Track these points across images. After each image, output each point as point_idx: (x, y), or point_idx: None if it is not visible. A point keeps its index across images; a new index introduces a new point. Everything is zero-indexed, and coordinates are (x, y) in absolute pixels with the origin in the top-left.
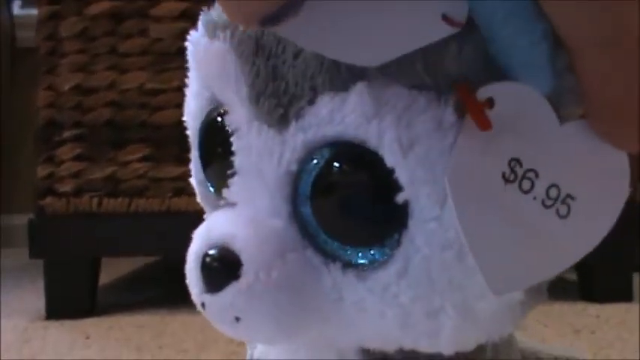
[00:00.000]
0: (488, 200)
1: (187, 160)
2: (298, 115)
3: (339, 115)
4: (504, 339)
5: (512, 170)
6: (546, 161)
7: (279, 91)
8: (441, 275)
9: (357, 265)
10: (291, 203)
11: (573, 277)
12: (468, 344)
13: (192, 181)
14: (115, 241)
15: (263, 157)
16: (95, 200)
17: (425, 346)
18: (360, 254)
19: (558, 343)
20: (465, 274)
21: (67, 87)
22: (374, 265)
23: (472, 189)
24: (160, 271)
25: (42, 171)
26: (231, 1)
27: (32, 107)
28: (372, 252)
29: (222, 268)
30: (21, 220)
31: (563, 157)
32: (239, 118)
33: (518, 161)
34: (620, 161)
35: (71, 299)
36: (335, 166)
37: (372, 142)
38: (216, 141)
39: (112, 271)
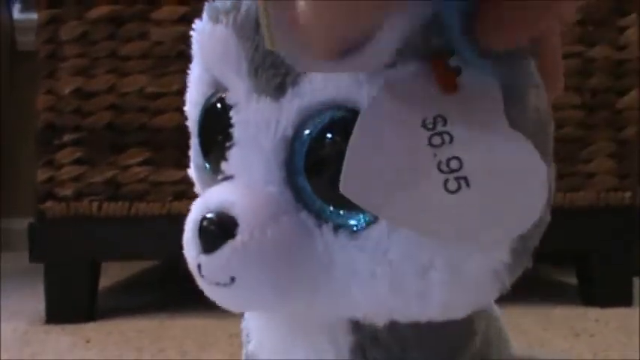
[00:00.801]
0: (397, 127)
1: (187, 164)
2: (294, 83)
3: (332, 79)
4: (496, 332)
5: (434, 122)
6: (467, 137)
7: (276, 62)
8: None
9: (349, 227)
10: (286, 170)
11: (573, 280)
12: (458, 309)
13: (191, 169)
14: (115, 245)
15: (260, 126)
16: (95, 204)
17: (415, 311)
18: (353, 216)
19: (558, 347)
20: None
21: (67, 91)
22: (365, 225)
23: (391, 111)
24: (159, 275)
25: (42, 175)
26: (319, 35)
27: (32, 111)
28: (365, 214)
29: (219, 228)
30: (21, 224)
31: (484, 144)
32: (238, 93)
33: (444, 120)
34: (539, 174)
35: (71, 303)
36: (327, 136)
37: (364, 103)
38: (215, 124)
39: (112, 275)
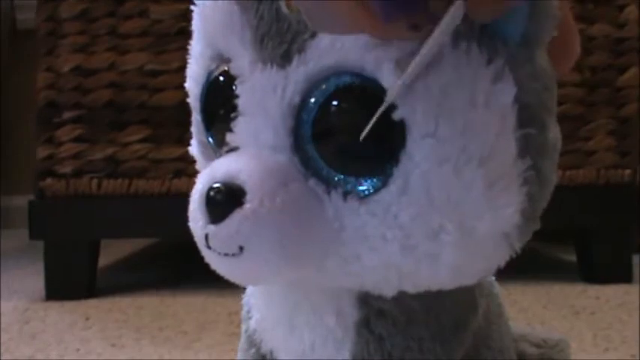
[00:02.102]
0: None
1: (188, 141)
2: (301, 49)
3: (338, 44)
4: (496, 310)
5: None
6: None
7: (282, 30)
8: (439, 191)
9: (358, 192)
10: (294, 137)
11: (573, 258)
12: (468, 273)
13: (193, 146)
14: (114, 222)
15: (267, 93)
16: (95, 182)
17: (426, 274)
18: (362, 182)
19: (558, 325)
20: (462, 190)
21: (66, 68)
22: (374, 190)
23: None
24: (159, 252)
25: (42, 152)
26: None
27: (32, 89)
28: (374, 179)
29: (227, 196)
30: (21, 202)
31: None
32: (243, 63)
33: None
34: None
35: (71, 281)
36: (333, 105)
37: (369, 67)
38: (219, 97)
39: (111, 252)
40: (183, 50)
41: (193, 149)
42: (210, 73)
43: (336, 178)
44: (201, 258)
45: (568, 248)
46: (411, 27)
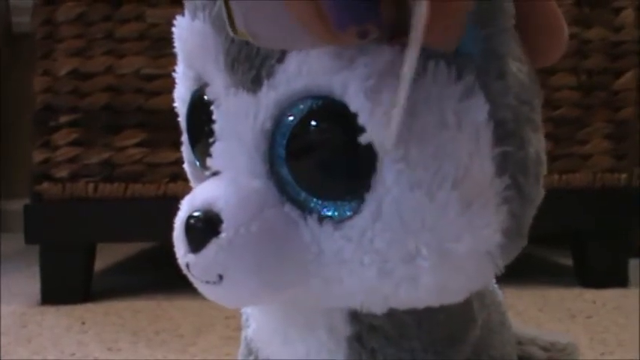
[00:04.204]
0: None
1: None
2: (269, 74)
3: (305, 67)
4: (499, 318)
5: None
6: None
7: (251, 55)
8: (413, 216)
9: (333, 217)
10: (269, 162)
11: (569, 262)
12: (452, 292)
13: (185, 164)
14: (110, 226)
15: (239, 119)
16: (91, 185)
17: (405, 296)
18: (337, 207)
19: (554, 328)
20: (437, 213)
21: (63, 72)
22: (350, 215)
23: None
24: (155, 256)
25: (38, 156)
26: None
27: (29, 92)
28: (350, 204)
29: (204, 226)
30: (20, 206)
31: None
32: (218, 87)
33: None
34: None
35: (67, 284)
36: (304, 127)
37: (337, 91)
38: (201, 118)
39: (107, 256)
40: None
41: (186, 168)
42: (192, 94)
43: (311, 204)
44: None
45: (564, 252)
46: (361, 34)
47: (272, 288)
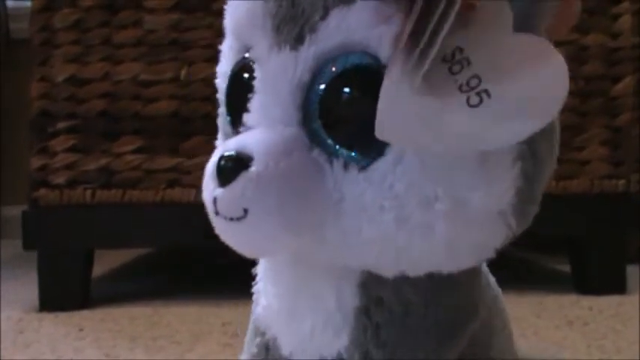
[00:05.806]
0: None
1: (181, 152)
2: (312, 30)
3: (344, 24)
4: (498, 325)
5: (453, 54)
6: (483, 55)
7: (297, 15)
8: (432, 161)
9: (359, 164)
10: (302, 112)
11: (567, 268)
12: (463, 251)
13: (218, 139)
14: (108, 232)
15: (279, 73)
16: (89, 192)
17: (420, 248)
18: (364, 157)
19: (552, 335)
20: (456, 161)
21: (60, 78)
22: (373, 157)
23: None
24: (153, 262)
25: (35, 162)
26: None
27: (26, 99)
28: (375, 151)
29: (235, 162)
30: (18, 212)
31: (499, 54)
32: (262, 48)
33: (461, 49)
34: (557, 76)
35: (65, 291)
36: (338, 85)
37: (373, 44)
38: (241, 84)
39: (105, 262)
40: (177, 60)
41: (219, 142)
42: (235, 65)
43: (338, 150)
44: (195, 268)
45: (561, 258)
46: None
47: (292, 228)
